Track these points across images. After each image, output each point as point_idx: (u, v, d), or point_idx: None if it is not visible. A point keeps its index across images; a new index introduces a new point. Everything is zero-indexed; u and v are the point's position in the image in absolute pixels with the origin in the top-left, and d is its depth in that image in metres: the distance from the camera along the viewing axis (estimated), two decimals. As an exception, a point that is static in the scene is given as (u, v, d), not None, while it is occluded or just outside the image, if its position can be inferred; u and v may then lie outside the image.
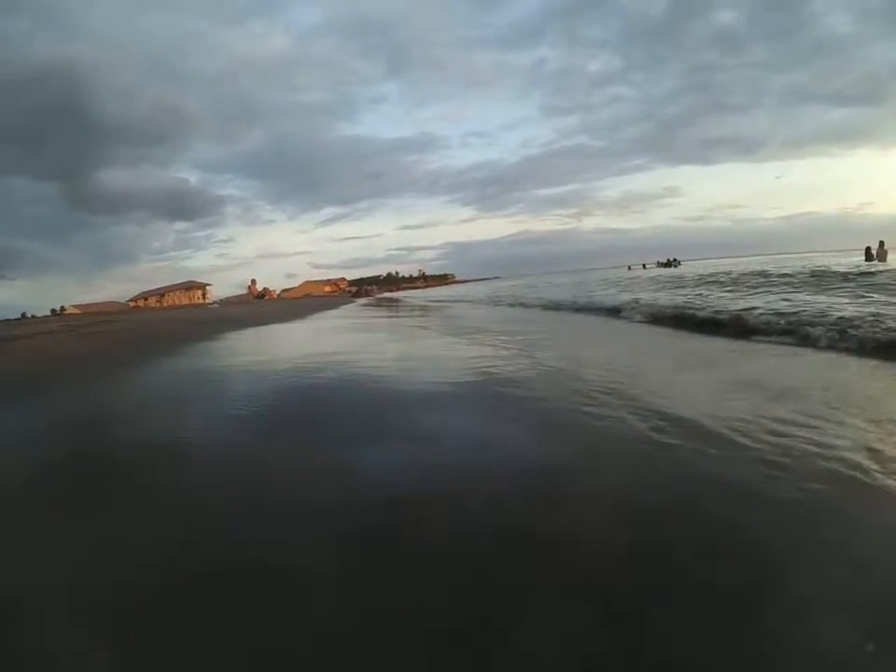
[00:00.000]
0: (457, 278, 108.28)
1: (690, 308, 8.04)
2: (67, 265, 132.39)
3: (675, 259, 61.99)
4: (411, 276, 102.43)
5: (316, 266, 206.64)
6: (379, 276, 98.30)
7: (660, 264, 60.60)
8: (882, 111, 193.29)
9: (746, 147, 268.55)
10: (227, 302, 69.19)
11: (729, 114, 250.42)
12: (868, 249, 22.18)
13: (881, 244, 22.16)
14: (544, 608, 1.23)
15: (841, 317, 5.30)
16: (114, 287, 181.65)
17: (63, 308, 53.69)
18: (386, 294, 60.71)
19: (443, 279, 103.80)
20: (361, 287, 78.09)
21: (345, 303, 30.68)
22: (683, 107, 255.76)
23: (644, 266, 65.52)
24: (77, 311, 52.08)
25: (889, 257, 21.26)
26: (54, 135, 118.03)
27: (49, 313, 50.84)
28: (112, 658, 1.16)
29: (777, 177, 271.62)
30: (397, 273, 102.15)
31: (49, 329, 15.40)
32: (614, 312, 9.81)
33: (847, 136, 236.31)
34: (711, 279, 15.08)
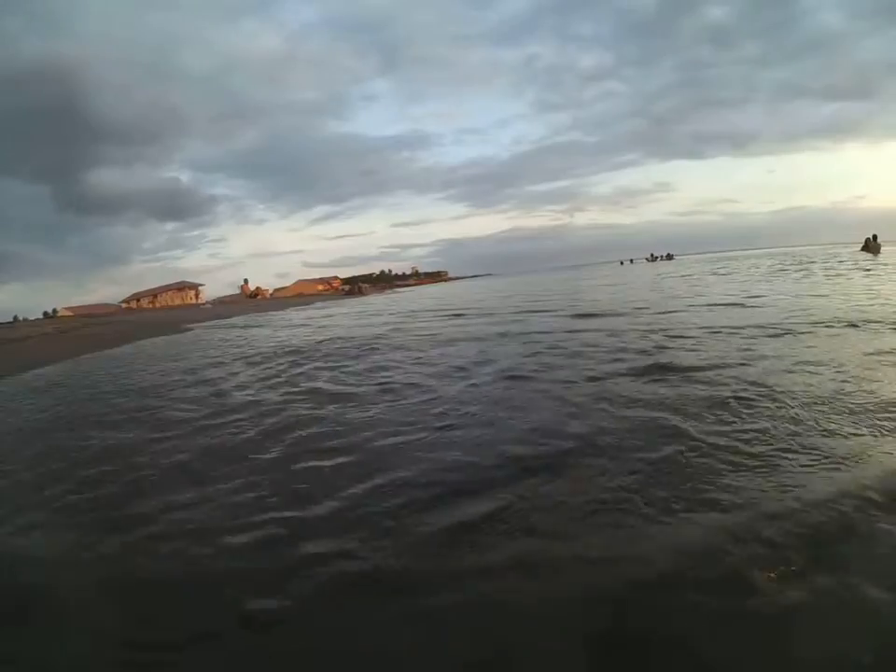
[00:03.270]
0: (450, 275, 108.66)
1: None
2: (59, 267, 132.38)
3: (668, 254, 62.88)
4: (404, 274, 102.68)
5: (309, 265, 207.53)
6: (372, 274, 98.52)
7: (649, 259, 61.67)
8: (873, 105, 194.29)
9: (737, 142, 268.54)
10: (220, 302, 69.32)
11: (721, 109, 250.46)
12: (867, 241, 23.38)
13: (874, 237, 23.24)
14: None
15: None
16: (106, 289, 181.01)
17: (55, 311, 53.79)
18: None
19: (436, 276, 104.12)
20: (355, 286, 78.14)
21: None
22: (675, 103, 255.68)
23: (632, 261, 66.57)
24: (70, 313, 52.21)
25: (883, 249, 22.36)
26: (45, 136, 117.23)
27: (41, 315, 50.96)
28: None
29: (769, 172, 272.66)
30: (390, 271, 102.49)
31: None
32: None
33: (838, 131, 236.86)
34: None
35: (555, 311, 11.29)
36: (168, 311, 44.85)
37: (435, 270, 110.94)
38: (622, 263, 63.40)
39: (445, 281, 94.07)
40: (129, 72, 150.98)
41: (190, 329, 18.91)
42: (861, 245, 24.57)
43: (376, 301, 32.45)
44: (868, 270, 14.20)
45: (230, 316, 26.78)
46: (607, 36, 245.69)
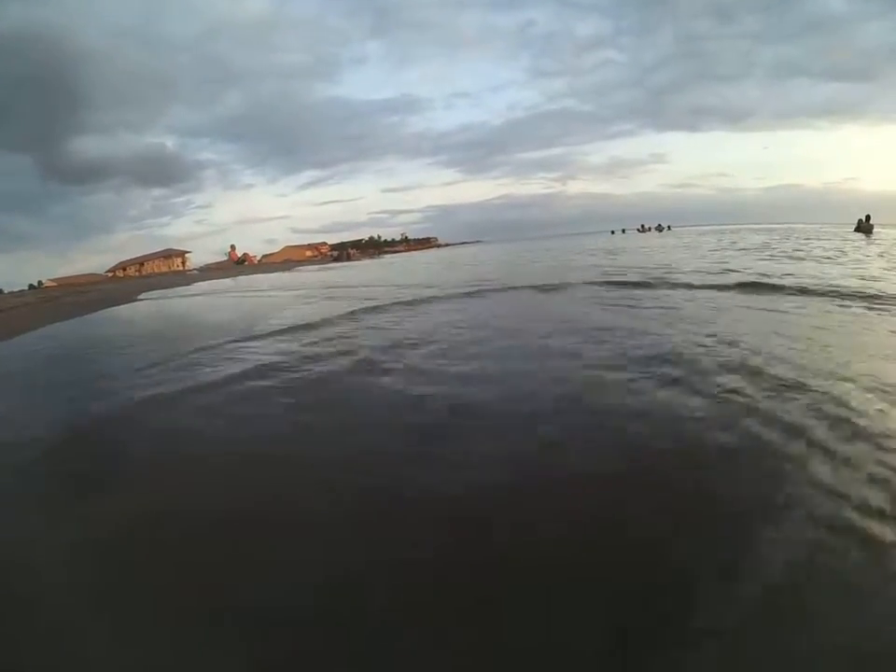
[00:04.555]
0: (440, 242, 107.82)
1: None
2: (43, 238, 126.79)
3: (659, 225, 63.20)
4: (393, 240, 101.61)
5: (297, 231, 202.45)
6: (361, 240, 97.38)
7: (640, 231, 62.08)
8: (872, 88, 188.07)
9: (733, 117, 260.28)
10: (207, 269, 68.33)
11: (718, 83, 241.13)
12: (860, 221, 24.34)
13: (867, 218, 24.15)
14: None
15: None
16: (92, 259, 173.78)
17: (40, 282, 53.07)
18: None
19: (426, 243, 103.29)
20: (343, 251, 77.44)
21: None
22: (672, 75, 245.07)
23: (623, 231, 66.91)
24: (54, 284, 51.51)
25: (875, 230, 23.30)
26: (26, 104, 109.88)
27: (26, 287, 50.35)
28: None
29: (764, 148, 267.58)
30: (379, 237, 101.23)
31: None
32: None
33: (835, 111, 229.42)
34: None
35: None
36: (159, 277, 44.46)
37: (424, 236, 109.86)
38: (612, 233, 64.34)
39: (436, 247, 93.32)
40: (110, 37, 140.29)
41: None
42: (855, 226, 25.75)
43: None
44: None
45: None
46: (606, 4, 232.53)
